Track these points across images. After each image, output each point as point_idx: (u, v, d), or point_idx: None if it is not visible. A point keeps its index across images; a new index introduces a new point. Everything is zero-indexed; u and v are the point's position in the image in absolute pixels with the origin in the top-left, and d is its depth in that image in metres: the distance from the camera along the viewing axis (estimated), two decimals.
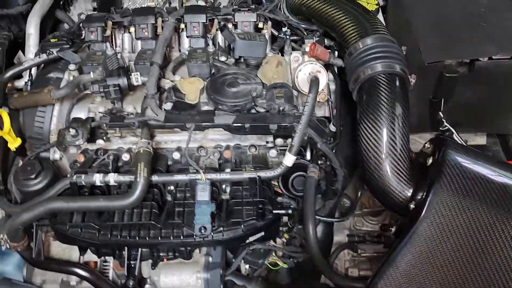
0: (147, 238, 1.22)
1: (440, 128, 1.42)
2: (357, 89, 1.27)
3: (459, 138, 1.40)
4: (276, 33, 1.55)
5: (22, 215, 1.21)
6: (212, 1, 1.68)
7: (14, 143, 1.35)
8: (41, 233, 1.39)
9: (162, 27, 1.49)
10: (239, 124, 1.29)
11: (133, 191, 1.20)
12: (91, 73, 1.35)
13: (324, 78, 1.38)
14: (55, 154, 1.38)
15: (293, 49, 1.51)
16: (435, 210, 1.07)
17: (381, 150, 1.17)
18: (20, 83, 1.51)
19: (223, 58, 1.48)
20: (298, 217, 1.36)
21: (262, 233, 1.27)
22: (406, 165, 1.16)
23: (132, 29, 1.54)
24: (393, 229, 1.45)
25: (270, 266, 1.43)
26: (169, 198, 1.32)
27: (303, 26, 1.57)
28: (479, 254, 1.06)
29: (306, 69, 1.38)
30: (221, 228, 1.23)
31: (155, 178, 1.26)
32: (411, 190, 1.15)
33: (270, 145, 1.39)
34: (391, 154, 1.16)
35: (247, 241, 1.27)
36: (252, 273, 1.46)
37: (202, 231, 1.21)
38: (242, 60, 1.49)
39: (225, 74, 1.40)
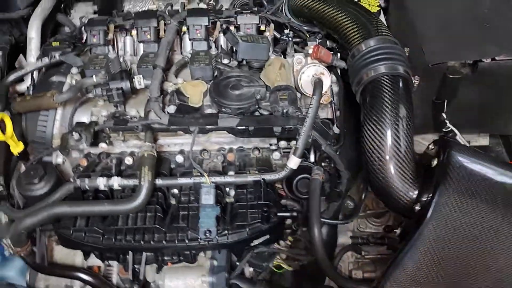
0: (151, 242, 1.22)
1: (443, 129, 1.42)
2: (361, 91, 1.27)
3: (462, 139, 1.40)
4: (278, 35, 1.55)
5: (25, 220, 1.21)
6: (214, 3, 1.68)
7: (16, 147, 1.35)
8: (44, 237, 1.38)
9: (165, 30, 1.49)
10: (243, 127, 1.29)
11: (138, 195, 1.20)
12: (94, 76, 1.35)
13: (328, 80, 1.38)
14: (58, 158, 1.38)
15: (296, 51, 1.51)
16: (441, 211, 1.07)
17: (386, 151, 1.16)
18: (21, 87, 1.50)
19: (225, 61, 1.48)
20: (302, 220, 1.36)
21: (267, 236, 1.27)
22: (411, 166, 1.16)
23: (134, 32, 1.54)
24: (398, 231, 1.45)
25: (275, 269, 1.42)
26: (173, 201, 1.32)
27: (305, 28, 1.57)
28: (485, 255, 1.06)
29: (310, 71, 1.38)
30: (226, 232, 1.23)
31: (159, 181, 1.26)
32: (416, 192, 1.15)
33: (273, 147, 1.38)
34: (395, 156, 1.16)
35: (252, 244, 1.27)
36: (256, 276, 1.45)
37: (207, 234, 1.20)
38: (244, 62, 1.49)
39: (228, 76, 1.40)
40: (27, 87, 1.47)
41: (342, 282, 1.29)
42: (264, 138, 1.38)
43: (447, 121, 1.40)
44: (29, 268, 1.40)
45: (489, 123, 1.49)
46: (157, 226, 1.22)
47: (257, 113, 1.35)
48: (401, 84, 1.22)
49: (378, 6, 1.60)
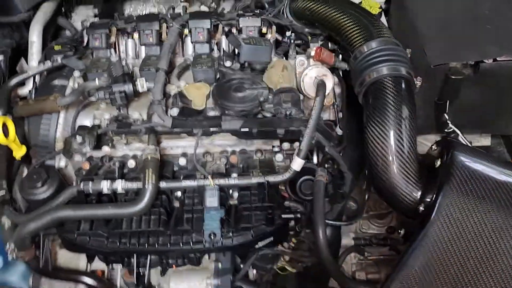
0: (156, 245, 1.22)
1: (445, 130, 1.42)
2: (363, 93, 1.27)
3: (464, 139, 1.41)
4: (280, 37, 1.55)
5: (29, 224, 1.20)
6: (215, 6, 1.68)
7: (19, 151, 1.34)
8: (47, 241, 1.37)
9: (167, 33, 1.49)
10: (247, 129, 1.29)
11: (142, 198, 1.20)
12: (96, 79, 1.35)
13: (331, 81, 1.38)
14: (60, 162, 1.37)
15: (297, 53, 1.52)
16: (445, 212, 1.07)
17: (389, 152, 1.17)
18: (23, 91, 1.50)
19: (228, 63, 1.48)
20: (305, 221, 1.36)
21: (271, 238, 1.27)
22: (414, 167, 1.16)
23: (135, 35, 1.54)
24: (402, 232, 1.45)
25: (279, 271, 1.42)
26: (176, 204, 1.32)
27: (306, 30, 1.57)
28: (490, 255, 1.06)
29: (312, 73, 1.39)
30: (231, 234, 1.22)
31: (163, 184, 1.25)
32: (419, 193, 1.15)
33: (276, 149, 1.39)
34: (399, 157, 1.16)
35: (257, 246, 1.27)
36: (260, 278, 1.45)
37: (212, 237, 1.20)
38: (246, 65, 1.49)
39: (231, 79, 1.40)
40: (29, 91, 1.47)
41: (347, 283, 1.29)
42: (267, 140, 1.38)
43: (449, 122, 1.40)
44: (32, 272, 1.39)
45: (491, 123, 1.50)
46: (162, 229, 1.22)
47: (260, 115, 1.35)
48: (403, 85, 1.23)
49: (379, 8, 1.60)
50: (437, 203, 1.08)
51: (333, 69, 1.45)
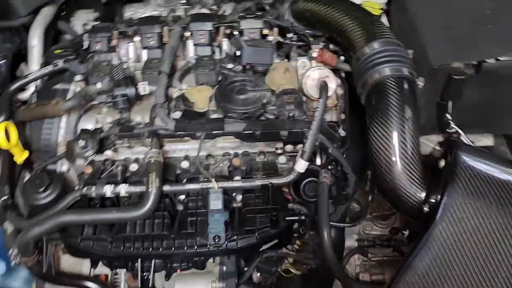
0: (160, 249, 1.21)
1: (448, 130, 1.42)
2: (366, 94, 1.27)
3: (466, 139, 1.41)
4: (281, 39, 1.55)
5: (33, 229, 1.20)
6: (216, 8, 1.68)
7: (21, 156, 1.34)
8: (51, 246, 1.36)
9: (169, 36, 1.49)
10: (250, 131, 1.29)
11: (146, 201, 1.19)
12: (98, 83, 1.34)
13: (333, 83, 1.38)
14: (62, 166, 1.37)
15: (299, 55, 1.51)
16: (450, 212, 1.07)
17: (392, 153, 1.16)
18: (23, 95, 1.49)
19: (230, 66, 1.48)
20: (309, 223, 1.35)
21: (276, 241, 1.27)
22: (418, 167, 1.16)
23: (136, 39, 1.53)
24: (407, 233, 1.45)
25: (283, 274, 1.42)
26: (180, 208, 1.31)
27: (308, 32, 1.57)
28: (495, 255, 1.06)
29: (315, 75, 1.39)
30: (235, 237, 1.22)
31: (166, 188, 1.25)
32: (424, 193, 1.15)
33: (279, 151, 1.38)
34: (402, 157, 1.16)
35: (261, 249, 1.27)
36: (264, 281, 1.45)
37: (216, 240, 1.20)
38: (248, 67, 1.49)
39: (233, 81, 1.40)
40: (30, 95, 1.46)
41: (351, 285, 1.28)
42: (270, 142, 1.38)
43: (451, 122, 1.40)
44: (35, 278, 1.38)
45: (493, 123, 1.50)
46: (166, 232, 1.22)
47: (262, 117, 1.35)
48: (406, 86, 1.23)
49: (380, 9, 1.60)
50: (442, 203, 1.08)
51: (335, 70, 1.45)
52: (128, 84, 1.34)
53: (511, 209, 1.06)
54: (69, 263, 1.38)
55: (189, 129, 1.30)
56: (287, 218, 1.27)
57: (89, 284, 1.31)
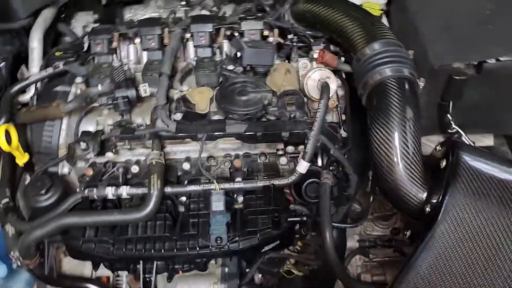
0: (162, 250, 1.21)
1: (448, 130, 1.42)
2: (367, 94, 1.27)
3: (467, 139, 1.41)
4: (282, 40, 1.55)
5: (35, 232, 1.19)
6: (217, 10, 1.68)
7: (22, 158, 1.33)
8: (52, 249, 1.36)
9: (169, 38, 1.49)
10: (251, 133, 1.29)
11: (148, 203, 1.19)
12: (99, 85, 1.34)
13: (334, 83, 1.38)
14: (63, 169, 1.37)
15: (300, 56, 1.51)
16: (452, 212, 1.07)
17: (394, 154, 1.17)
18: (24, 98, 1.49)
19: (230, 67, 1.48)
20: (311, 224, 1.35)
21: (278, 242, 1.27)
22: (420, 168, 1.16)
23: (137, 40, 1.53)
24: (408, 233, 1.45)
25: (285, 275, 1.42)
26: (181, 209, 1.31)
27: (308, 33, 1.57)
28: (497, 255, 1.06)
29: (316, 76, 1.39)
30: (237, 238, 1.22)
31: (168, 189, 1.25)
32: (425, 194, 1.15)
33: (280, 152, 1.38)
34: (404, 158, 1.16)
35: (263, 250, 1.27)
36: (266, 282, 1.45)
37: (218, 241, 1.20)
38: (249, 68, 1.49)
39: (234, 82, 1.40)
40: (31, 98, 1.46)
41: (353, 285, 1.28)
42: (271, 144, 1.38)
43: (452, 122, 1.40)
44: (36, 280, 1.38)
45: (494, 123, 1.50)
46: (168, 234, 1.22)
47: (264, 119, 1.35)
48: (407, 87, 1.23)
49: (380, 9, 1.60)
50: (444, 203, 1.08)
51: (336, 71, 1.45)
52: (129, 86, 1.34)
53: None
54: (70, 265, 1.38)
55: (190, 130, 1.30)
56: (289, 219, 1.27)
57: (91, 286, 1.31)
